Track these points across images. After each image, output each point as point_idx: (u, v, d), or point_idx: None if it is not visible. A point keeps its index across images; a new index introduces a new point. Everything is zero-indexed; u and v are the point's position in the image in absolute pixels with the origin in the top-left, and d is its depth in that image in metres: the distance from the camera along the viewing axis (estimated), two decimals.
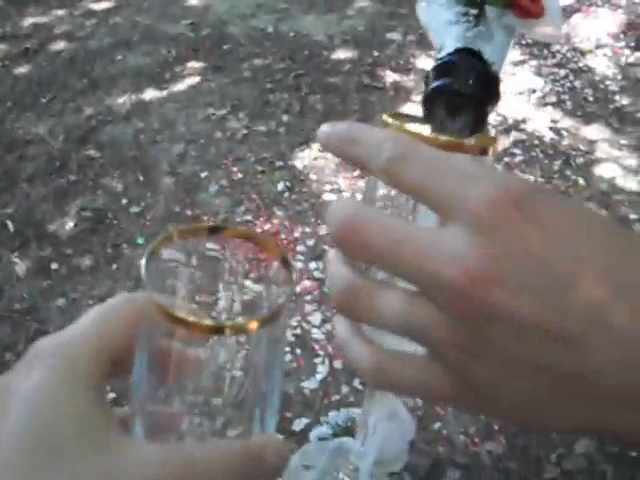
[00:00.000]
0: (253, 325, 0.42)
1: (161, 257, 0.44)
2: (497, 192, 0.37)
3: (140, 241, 2.67)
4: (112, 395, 1.83)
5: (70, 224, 2.77)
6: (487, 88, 0.49)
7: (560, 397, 0.38)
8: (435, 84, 0.49)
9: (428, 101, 0.50)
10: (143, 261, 0.43)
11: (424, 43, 3.69)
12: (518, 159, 2.95)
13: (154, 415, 0.45)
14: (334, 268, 0.42)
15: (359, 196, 2.79)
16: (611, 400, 0.38)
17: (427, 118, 0.51)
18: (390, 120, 0.48)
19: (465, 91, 0.48)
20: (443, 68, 0.49)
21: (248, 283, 0.47)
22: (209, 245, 0.47)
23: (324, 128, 0.44)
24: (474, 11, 0.50)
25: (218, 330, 0.42)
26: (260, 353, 0.44)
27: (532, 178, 2.84)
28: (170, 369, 0.44)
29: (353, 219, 0.40)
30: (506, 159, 2.95)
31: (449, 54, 0.50)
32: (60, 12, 4.43)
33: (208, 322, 0.42)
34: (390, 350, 0.42)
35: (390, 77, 3.50)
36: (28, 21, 4.32)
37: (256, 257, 0.47)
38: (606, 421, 0.39)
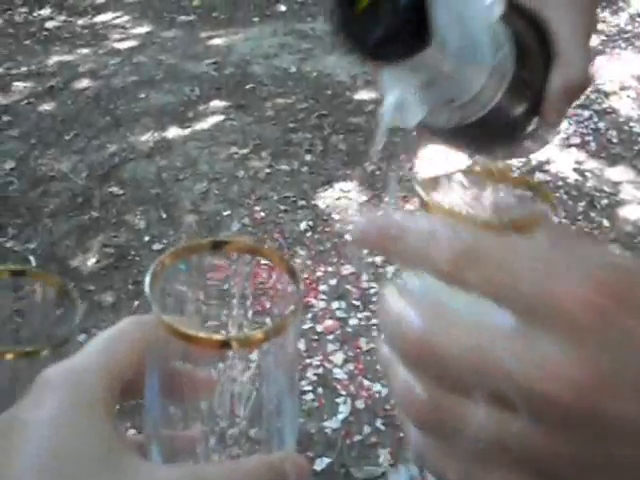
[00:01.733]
0: (260, 337, 0.41)
1: (166, 277, 0.44)
2: (588, 287, 0.33)
3: None
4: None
5: (92, 260, 2.81)
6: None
7: None
8: None
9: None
10: (147, 280, 0.42)
11: None
12: None
13: (169, 439, 0.45)
14: (405, 387, 0.38)
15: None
16: None
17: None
18: (431, 202, 0.43)
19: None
20: None
21: (255, 299, 0.47)
22: (213, 261, 0.46)
23: (358, 222, 0.40)
24: None
25: (226, 344, 0.41)
26: (272, 368, 0.44)
27: (556, 220, 2.85)
28: (182, 390, 0.44)
29: (425, 336, 0.36)
30: None
31: None
32: (85, 51, 4.51)
33: (215, 336, 0.41)
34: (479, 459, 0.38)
35: None
36: (53, 59, 4.40)
37: (262, 270, 0.46)
38: None
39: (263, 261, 0.46)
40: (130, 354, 0.44)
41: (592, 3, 0.62)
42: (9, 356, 0.47)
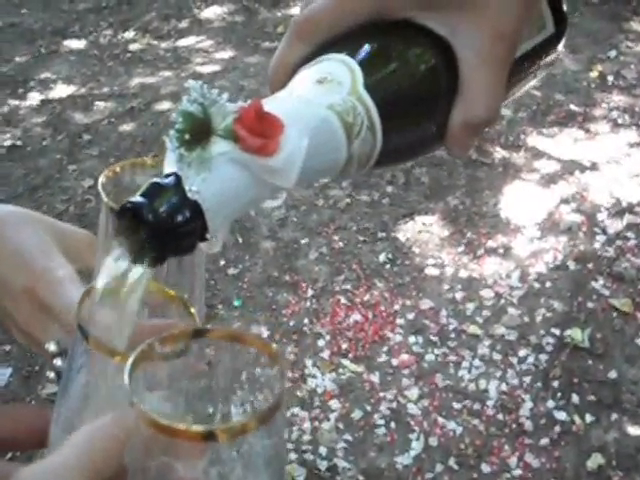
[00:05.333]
0: (249, 426, 0.40)
1: (146, 369, 0.44)
2: None
3: (236, 303, 2.77)
4: None
5: None
6: (170, 217, 0.46)
7: None
8: (128, 200, 0.47)
9: (118, 216, 0.48)
10: (126, 374, 0.41)
11: (536, 120, 3.76)
12: (631, 243, 2.97)
13: None
14: None
15: (464, 272, 2.85)
16: None
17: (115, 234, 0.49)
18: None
19: (143, 214, 0.46)
20: (148, 188, 0.47)
21: (238, 388, 0.48)
22: (194, 352, 0.47)
23: None
24: (188, 140, 0.47)
25: (210, 435, 0.40)
26: (260, 459, 0.43)
27: None
28: None
29: None
30: (618, 242, 2.97)
31: (165, 175, 0.47)
32: (167, 73, 4.65)
33: (199, 428, 0.39)
34: None
35: (499, 153, 3.57)
36: (135, 81, 4.55)
37: (244, 358, 0.46)
38: None
39: (245, 347, 0.46)
40: (110, 452, 0.43)
41: (511, 29, 0.56)
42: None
